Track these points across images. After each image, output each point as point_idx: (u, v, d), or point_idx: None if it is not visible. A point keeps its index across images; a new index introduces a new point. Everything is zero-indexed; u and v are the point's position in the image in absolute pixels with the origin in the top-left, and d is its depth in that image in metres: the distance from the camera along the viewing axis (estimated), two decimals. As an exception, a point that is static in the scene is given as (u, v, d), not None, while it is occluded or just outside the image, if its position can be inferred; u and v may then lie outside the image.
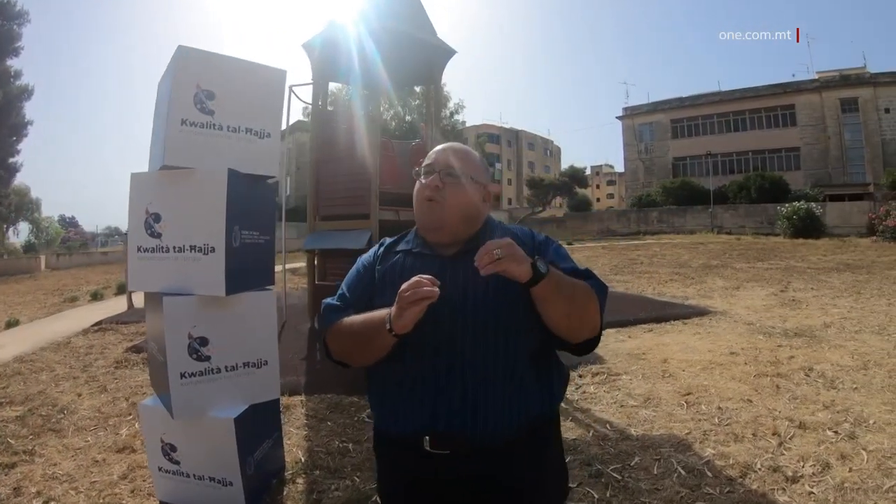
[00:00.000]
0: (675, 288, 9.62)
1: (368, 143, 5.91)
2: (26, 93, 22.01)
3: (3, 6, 20.30)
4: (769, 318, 6.55)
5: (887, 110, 32.73)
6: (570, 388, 4.10)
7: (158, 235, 2.42)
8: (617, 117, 42.83)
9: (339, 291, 1.35)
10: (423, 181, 1.26)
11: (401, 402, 1.21)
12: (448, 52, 6.92)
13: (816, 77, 35.49)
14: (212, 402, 2.46)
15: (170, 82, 2.31)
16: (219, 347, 2.44)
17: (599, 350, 5.11)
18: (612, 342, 5.55)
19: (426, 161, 1.30)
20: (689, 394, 3.87)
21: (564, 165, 50.02)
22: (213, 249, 2.31)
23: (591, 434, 3.26)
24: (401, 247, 1.34)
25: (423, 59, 6.86)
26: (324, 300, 1.35)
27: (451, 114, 24.00)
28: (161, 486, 2.65)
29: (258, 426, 2.67)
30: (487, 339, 1.17)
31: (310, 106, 7.28)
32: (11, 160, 22.56)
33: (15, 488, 2.90)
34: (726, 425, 3.29)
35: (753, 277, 10.61)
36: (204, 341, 2.42)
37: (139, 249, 2.46)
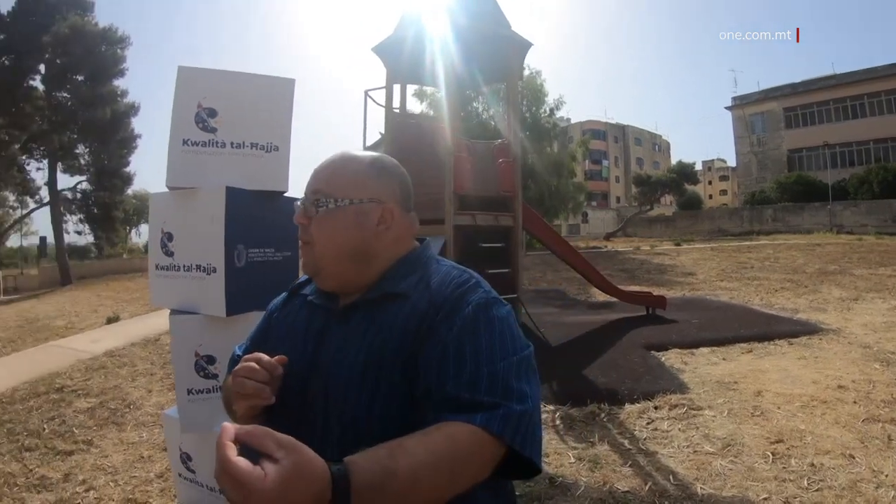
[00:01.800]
0: (786, 298, 8.59)
1: (444, 145, 5.77)
2: (133, 109, 24.55)
3: (106, 32, 22.76)
4: (890, 340, 5.56)
5: None
6: (640, 422, 3.68)
7: (172, 254, 2.42)
8: (726, 108, 39.46)
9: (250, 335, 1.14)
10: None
11: None
12: (524, 45, 6.61)
13: (944, 53, 30.35)
14: (218, 418, 2.42)
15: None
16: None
17: (685, 376, 4.57)
18: (703, 365, 4.93)
19: None
20: (779, 441, 3.26)
21: (674, 161, 47.13)
22: (214, 269, 2.26)
23: (647, 487, 2.82)
24: (306, 290, 1.05)
25: (499, 54, 6.60)
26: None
27: (551, 111, 22.92)
28: (181, 492, 2.72)
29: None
30: (360, 441, 0.79)
31: (399, 110, 7.24)
32: (124, 170, 25.38)
33: (66, 474, 3.21)
34: (816, 490, 2.69)
35: (875, 286, 9.22)
36: (211, 360, 2.39)
37: (157, 267, 2.49)
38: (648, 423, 3.66)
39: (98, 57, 21.88)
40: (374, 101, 7.03)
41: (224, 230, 2.21)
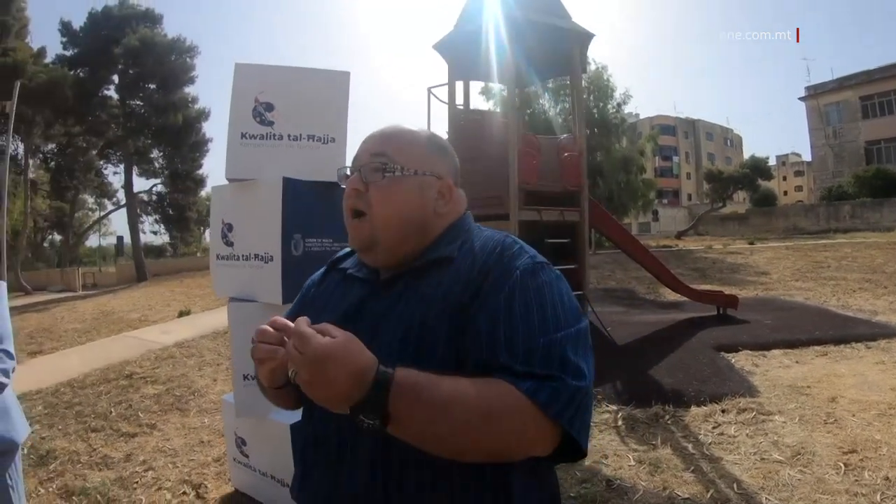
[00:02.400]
0: (864, 299, 8.00)
1: (508, 140, 5.73)
2: (203, 114, 25.65)
3: (175, 42, 23.99)
4: (976, 344, 5.08)
5: None
6: (706, 426, 3.52)
7: (231, 244, 2.51)
8: (799, 98, 37.11)
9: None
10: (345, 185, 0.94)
11: (303, 473, 0.94)
12: (586, 36, 6.48)
13: None
14: (272, 406, 2.49)
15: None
16: (282, 354, 2.46)
17: (756, 379, 4.34)
18: (775, 368, 4.67)
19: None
20: (852, 451, 3.01)
21: (746, 155, 44.84)
22: (271, 258, 2.31)
23: (709, 494, 2.67)
24: (346, 264, 1.02)
25: (561, 47, 6.51)
26: None
27: (619, 106, 22.22)
28: (235, 475, 2.83)
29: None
30: None
31: (464, 106, 7.26)
32: (197, 172, 26.63)
33: (127, 454, 3.39)
34: (890, 507, 2.47)
35: (961, 287, 8.47)
36: (267, 347, 2.43)
37: (218, 257, 2.59)
38: (714, 428, 3.48)
39: (168, 66, 23.13)
40: (437, 97, 7.04)
41: (281, 220, 2.26)
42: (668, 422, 3.62)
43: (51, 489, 2.98)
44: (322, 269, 1.08)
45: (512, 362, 0.74)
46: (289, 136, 2.39)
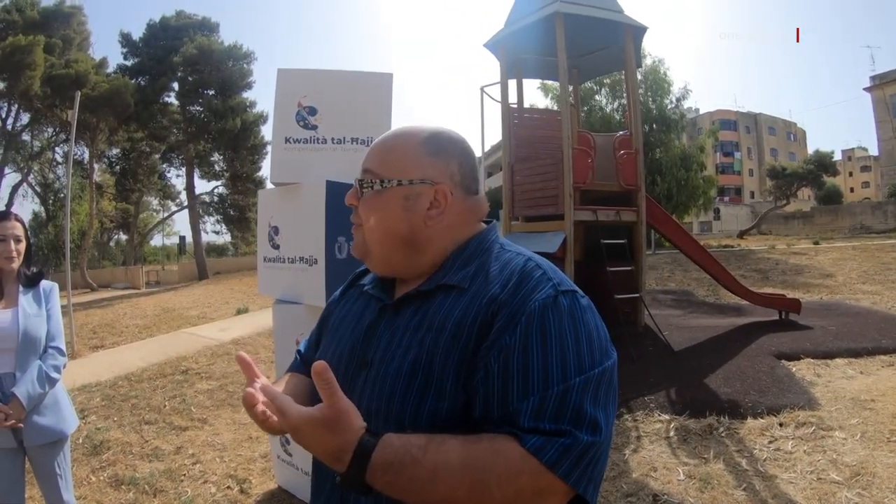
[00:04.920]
0: (939, 305, 7.48)
1: (562, 138, 5.65)
2: (261, 118, 26.20)
3: (232, 49, 24.74)
4: None
5: None
6: (761, 440, 3.38)
7: (278, 247, 2.55)
8: (864, 89, 35.01)
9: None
10: None
11: (313, 492, 0.93)
12: (639, 29, 6.32)
13: None
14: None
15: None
16: (326, 357, 2.49)
17: (817, 390, 4.14)
18: (838, 378, 4.43)
19: None
20: (915, 473, 2.80)
21: (811, 150, 42.54)
22: (315, 261, 2.33)
23: (760, 514, 2.55)
24: (365, 280, 0.99)
25: (614, 41, 6.39)
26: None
27: (678, 101, 21.49)
28: (279, 472, 2.89)
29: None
30: None
31: (517, 104, 7.20)
32: (257, 174, 27.20)
33: (178, 447, 3.52)
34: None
35: None
36: (311, 349, 2.46)
37: (265, 259, 2.64)
38: (770, 442, 3.33)
39: (226, 72, 24.03)
40: (489, 96, 7.00)
41: (325, 223, 2.28)
42: (723, 434, 3.49)
43: (102, 478, 3.12)
44: (344, 285, 1.07)
45: (521, 414, 0.69)
46: (332, 139, 2.41)
